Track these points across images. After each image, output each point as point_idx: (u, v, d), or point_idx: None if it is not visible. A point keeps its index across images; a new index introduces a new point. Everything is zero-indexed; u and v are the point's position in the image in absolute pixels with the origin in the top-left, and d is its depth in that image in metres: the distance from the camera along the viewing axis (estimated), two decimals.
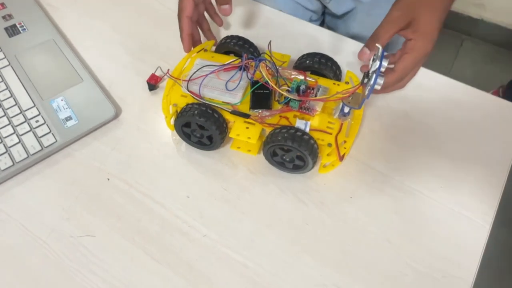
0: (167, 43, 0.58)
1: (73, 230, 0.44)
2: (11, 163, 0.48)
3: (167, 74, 0.50)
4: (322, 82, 0.47)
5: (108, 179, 0.48)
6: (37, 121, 0.51)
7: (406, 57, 0.44)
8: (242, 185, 0.47)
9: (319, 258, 0.42)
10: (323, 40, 0.59)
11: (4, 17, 0.62)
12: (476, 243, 0.42)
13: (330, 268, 0.42)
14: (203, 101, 0.46)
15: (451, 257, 0.42)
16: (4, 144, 0.49)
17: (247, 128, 0.45)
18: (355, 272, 0.41)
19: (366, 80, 0.37)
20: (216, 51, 0.53)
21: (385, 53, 0.36)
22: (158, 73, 0.54)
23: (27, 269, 0.42)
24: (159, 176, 0.48)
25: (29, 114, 0.51)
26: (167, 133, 0.51)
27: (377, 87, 0.35)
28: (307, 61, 0.48)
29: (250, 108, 0.45)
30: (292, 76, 0.47)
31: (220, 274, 0.42)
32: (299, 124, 0.43)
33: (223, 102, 0.46)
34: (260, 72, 0.44)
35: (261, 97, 0.45)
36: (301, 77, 0.46)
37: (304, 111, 0.44)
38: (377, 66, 0.35)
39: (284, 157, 0.44)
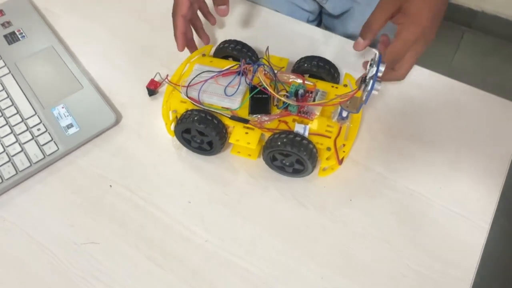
0: (166, 47, 0.59)
1: (77, 237, 0.45)
2: (15, 172, 0.48)
3: (166, 80, 0.50)
4: (321, 85, 0.47)
5: (110, 185, 0.48)
6: (38, 129, 0.51)
7: (394, 41, 0.43)
8: (242, 189, 0.47)
9: (320, 261, 0.43)
10: (321, 41, 0.59)
11: (3, 24, 0.62)
12: (475, 243, 0.43)
13: (331, 270, 0.42)
14: (203, 107, 0.47)
15: (450, 257, 0.42)
16: (7, 153, 0.50)
17: (247, 133, 0.45)
18: (355, 274, 0.42)
19: (363, 85, 0.38)
20: (215, 55, 0.53)
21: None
22: (157, 79, 0.55)
23: (33, 277, 0.43)
24: (161, 182, 0.48)
25: (30, 123, 0.52)
26: (167, 139, 0.51)
27: (375, 92, 0.36)
28: (305, 65, 0.48)
29: (249, 113, 0.46)
30: (291, 80, 0.47)
31: (223, 279, 0.42)
32: (298, 128, 0.43)
33: (222, 107, 0.47)
34: (258, 77, 0.45)
35: (260, 102, 0.46)
36: (300, 80, 0.47)
37: (303, 115, 0.45)
38: (374, 72, 0.35)
39: (283, 162, 0.45)
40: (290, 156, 0.43)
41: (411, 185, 0.46)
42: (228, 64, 0.50)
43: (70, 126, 0.52)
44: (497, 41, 1.49)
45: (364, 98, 0.37)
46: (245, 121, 0.45)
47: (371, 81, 0.35)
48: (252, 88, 0.46)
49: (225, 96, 0.47)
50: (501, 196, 0.45)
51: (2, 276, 0.43)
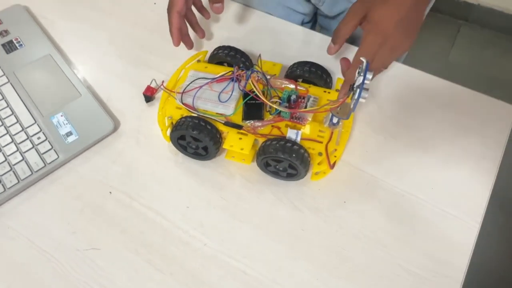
0: (163, 53, 0.59)
1: (79, 243, 0.46)
2: (16, 181, 0.49)
3: (161, 87, 0.51)
4: (313, 90, 0.48)
5: (110, 192, 0.50)
6: (38, 138, 0.52)
7: (358, 49, 0.44)
8: (239, 193, 0.48)
9: (316, 263, 0.44)
10: (315, 44, 0.59)
11: (0, 33, 0.63)
12: (466, 243, 0.44)
13: (326, 272, 0.43)
14: (197, 113, 0.48)
15: (442, 257, 0.43)
16: (8, 162, 0.51)
17: (240, 139, 0.46)
18: (350, 275, 0.43)
19: (351, 93, 0.39)
20: (209, 61, 0.54)
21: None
22: (153, 85, 0.56)
23: (38, 284, 0.44)
24: (159, 188, 0.49)
25: (30, 131, 0.53)
26: (164, 145, 0.52)
27: (362, 100, 0.36)
28: (298, 71, 0.49)
29: (243, 119, 0.47)
30: (283, 86, 0.48)
31: (222, 282, 0.44)
32: (291, 133, 0.44)
33: (216, 113, 0.48)
34: (251, 84, 0.46)
35: (253, 108, 0.47)
36: (292, 86, 0.48)
37: (296, 120, 0.46)
38: (361, 81, 0.36)
39: (277, 167, 0.46)
40: (283, 161, 0.44)
41: (404, 186, 0.47)
42: (222, 70, 0.51)
43: (69, 134, 0.53)
44: (493, 33, 1.49)
45: (352, 106, 0.38)
46: (238, 127, 0.46)
47: (358, 90, 0.36)
48: (245, 94, 0.47)
49: (219, 102, 0.48)
50: (491, 196, 0.46)
51: (8, 282, 0.44)
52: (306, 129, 0.45)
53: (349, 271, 0.43)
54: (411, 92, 0.54)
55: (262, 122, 0.46)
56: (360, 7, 0.44)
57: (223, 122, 0.47)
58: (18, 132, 0.53)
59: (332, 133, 0.45)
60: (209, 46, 0.59)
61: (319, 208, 0.47)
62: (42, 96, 0.56)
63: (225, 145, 0.46)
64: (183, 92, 0.49)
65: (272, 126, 0.46)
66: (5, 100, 0.56)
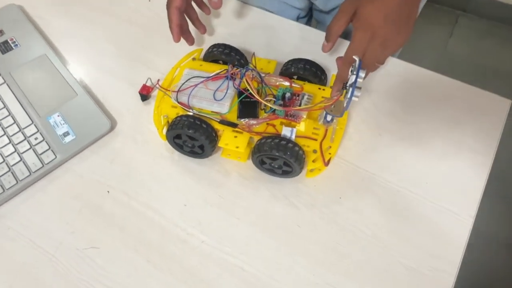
0: (158, 51, 0.60)
1: (78, 242, 0.47)
2: (15, 182, 0.50)
3: (157, 86, 0.51)
4: (308, 87, 0.48)
5: (108, 191, 0.50)
6: (36, 139, 0.53)
7: (348, 46, 0.43)
8: (235, 191, 0.49)
9: (312, 258, 0.45)
10: (310, 40, 0.59)
11: None
12: (460, 237, 0.44)
13: (322, 267, 0.44)
14: (193, 111, 0.48)
15: (437, 251, 0.44)
16: (6, 163, 0.51)
17: (236, 137, 0.46)
18: (346, 270, 0.44)
19: (344, 91, 0.39)
20: (204, 59, 0.54)
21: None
22: (148, 84, 0.56)
23: (39, 283, 0.45)
24: (157, 186, 0.50)
25: (28, 132, 0.53)
26: (161, 143, 0.52)
27: (355, 99, 0.37)
28: (292, 68, 0.49)
29: (238, 117, 0.47)
30: (278, 83, 0.48)
31: (219, 279, 0.44)
32: (285, 131, 0.45)
33: (212, 112, 0.48)
34: (245, 82, 0.46)
35: (248, 106, 0.47)
36: (287, 83, 0.48)
37: (290, 118, 0.46)
38: (353, 80, 0.36)
39: (272, 165, 0.46)
40: (278, 159, 0.44)
41: (399, 181, 0.48)
42: (217, 68, 0.51)
43: (66, 134, 0.53)
44: (491, 23, 1.48)
45: (345, 104, 0.38)
46: (233, 125, 0.47)
47: (351, 89, 0.36)
48: (240, 93, 0.47)
49: (214, 101, 0.48)
50: (485, 189, 0.46)
51: (10, 282, 0.45)
52: (301, 127, 0.46)
53: (345, 266, 0.44)
54: (405, 88, 0.54)
55: (257, 120, 0.46)
56: (349, 5, 0.43)
57: (219, 120, 0.47)
58: (15, 133, 0.53)
59: (326, 130, 0.45)
60: (205, 43, 0.59)
61: (315, 204, 0.47)
62: (39, 96, 0.56)
63: (220, 143, 0.46)
64: (178, 91, 0.49)
65: (267, 124, 0.46)
66: (1, 101, 0.56)
